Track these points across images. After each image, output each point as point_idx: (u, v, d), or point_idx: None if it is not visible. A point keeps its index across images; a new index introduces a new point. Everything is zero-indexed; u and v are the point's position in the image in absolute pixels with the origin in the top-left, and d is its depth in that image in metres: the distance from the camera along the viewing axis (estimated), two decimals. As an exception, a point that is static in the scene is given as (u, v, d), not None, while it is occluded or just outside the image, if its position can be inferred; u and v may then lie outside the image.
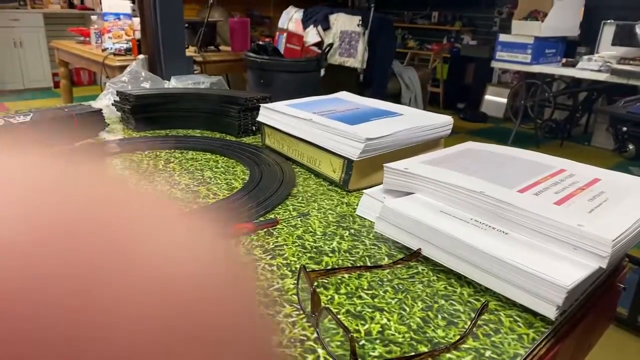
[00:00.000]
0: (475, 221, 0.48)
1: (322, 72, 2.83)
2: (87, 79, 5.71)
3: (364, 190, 0.61)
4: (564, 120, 4.45)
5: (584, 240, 0.41)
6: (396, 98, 3.73)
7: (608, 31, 3.49)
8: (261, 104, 0.84)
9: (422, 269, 0.49)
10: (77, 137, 0.85)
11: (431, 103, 5.44)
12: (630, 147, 3.19)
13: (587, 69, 3.14)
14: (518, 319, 0.42)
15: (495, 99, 5.31)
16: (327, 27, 3.20)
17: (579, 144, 4.46)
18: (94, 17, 2.85)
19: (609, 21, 3.50)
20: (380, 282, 0.46)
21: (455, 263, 0.46)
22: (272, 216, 0.59)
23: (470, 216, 0.49)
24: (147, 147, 0.83)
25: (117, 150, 0.81)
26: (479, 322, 0.41)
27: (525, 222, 0.45)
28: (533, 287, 0.40)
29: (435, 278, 0.47)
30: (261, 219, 0.58)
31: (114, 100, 0.96)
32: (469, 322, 0.41)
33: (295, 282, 0.45)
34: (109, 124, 0.92)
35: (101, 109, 0.89)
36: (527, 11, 3.42)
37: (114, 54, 2.44)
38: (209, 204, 0.62)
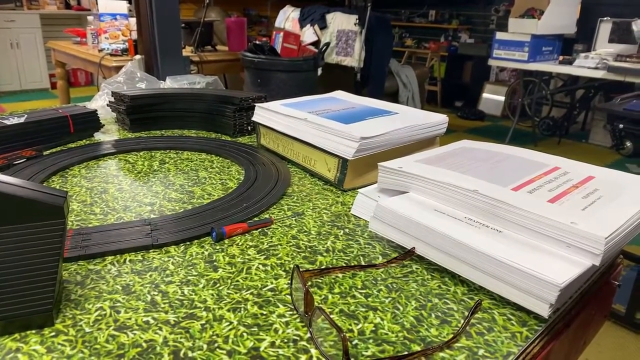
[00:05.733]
0: (469, 219, 0.48)
1: (320, 71, 2.83)
2: (85, 79, 5.70)
3: (358, 190, 0.61)
4: (562, 118, 4.45)
5: (577, 238, 0.41)
6: (394, 97, 3.73)
7: (605, 28, 3.50)
8: (256, 104, 0.84)
9: (417, 268, 0.49)
10: (72, 138, 0.85)
11: (429, 101, 5.45)
12: (628, 144, 3.20)
13: (584, 66, 3.14)
14: (512, 317, 0.42)
15: (492, 97, 5.31)
16: (324, 26, 3.20)
17: (576, 141, 4.46)
18: (90, 18, 2.85)
19: (605, 18, 3.50)
20: (374, 282, 0.46)
21: (448, 261, 0.46)
22: (267, 216, 0.59)
23: (464, 214, 0.49)
24: (142, 147, 0.83)
25: (112, 150, 0.80)
26: (473, 321, 0.41)
27: (519, 220, 0.45)
28: (526, 285, 0.40)
29: (429, 277, 0.47)
30: (256, 218, 0.58)
31: (109, 101, 0.96)
32: (462, 321, 0.41)
33: (289, 282, 0.45)
34: (104, 125, 0.91)
35: (96, 110, 0.89)
36: (524, 9, 3.42)
37: (111, 55, 2.44)
38: (203, 204, 0.61)
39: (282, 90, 2.60)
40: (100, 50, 2.53)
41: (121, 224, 0.55)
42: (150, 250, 0.50)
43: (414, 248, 0.49)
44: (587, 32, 3.76)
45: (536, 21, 3.26)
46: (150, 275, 0.46)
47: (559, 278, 0.38)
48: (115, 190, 0.66)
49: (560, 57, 3.54)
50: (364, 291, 0.44)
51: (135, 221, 0.56)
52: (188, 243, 0.52)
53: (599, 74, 3.03)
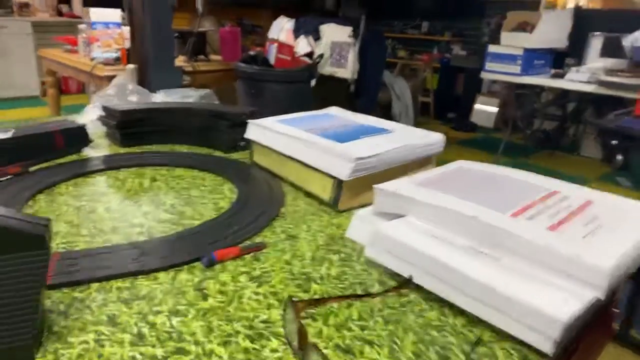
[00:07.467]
0: (467, 246, 0.47)
1: (313, 82, 2.83)
2: (76, 87, 5.66)
3: (354, 211, 0.60)
4: (553, 131, 4.48)
5: (580, 269, 0.40)
6: (387, 108, 3.73)
7: (596, 43, 3.53)
8: (249, 120, 0.83)
9: (414, 297, 0.47)
10: (60, 153, 0.83)
11: (421, 113, 5.47)
12: (619, 157, 3.22)
13: (576, 80, 3.16)
14: (513, 351, 0.40)
15: (485, 109, 5.34)
16: (317, 38, 3.20)
17: (568, 153, 4.49)
18: (82, 26, 2.83)
19: (596, 33, 3.54)
20: (370, 312, 0.44)
21: (447, 292, 0.45)
22: (260, 239, 0.58)
23: (462, 241, 0.48)
24: (133, 163, 0.81)
25: (101, 167, 0.78)
26: (473, 356, 0.39)
27: (519, 248, 0.44)
28: (528, 319, 0.39)
29: (427, 307, 0.46)
30: (248, 242, 0.56)
31: (100, 115, 0.94)
32: (461, 355, 0.39)
33: (282, 312, 0.44)
34: (93, 140, 0.89)
35: (85, 125, 0.87)
36: (516, 22, 3.45)
37: (103, 64, 2.42)
38: (194, 225, 0.60)
39: (276, 101, 2.59)
40: (92, 59, 2.51)
41: (108, 248, 0.53)
42: (139, 277, 0.48)
43: (411, 276, 0.48)
44: (579, 46, 3.79)
45: (528, 35, 3.29)
46: (138, 304, 0.44)
47: (562, 314, 0.37)
48: (103, 210, 0.64)
49: (553, 71, 3.57)
50: (359, 323, 0.43)
51: (123, 245, 0.54)
52: (178, 269, 0.50)
53: (590, 88, 3.05)
